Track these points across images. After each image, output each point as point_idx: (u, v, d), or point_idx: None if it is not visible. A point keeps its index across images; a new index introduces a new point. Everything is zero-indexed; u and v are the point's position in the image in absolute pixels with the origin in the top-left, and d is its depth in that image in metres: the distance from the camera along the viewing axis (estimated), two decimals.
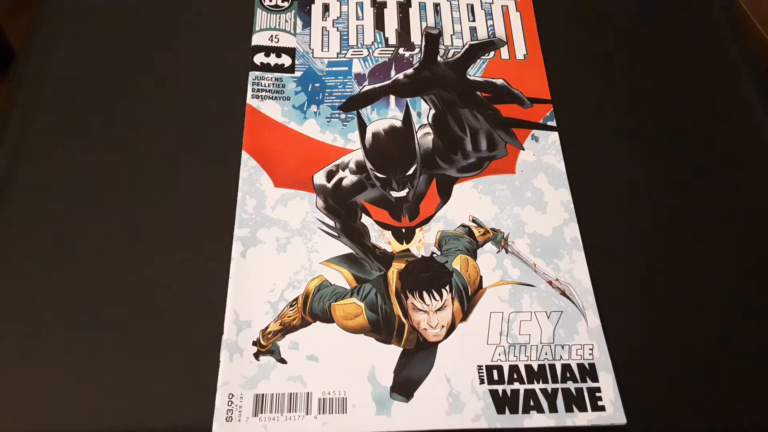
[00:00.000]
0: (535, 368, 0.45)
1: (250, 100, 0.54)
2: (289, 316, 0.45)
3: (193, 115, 0.54)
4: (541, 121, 0.55)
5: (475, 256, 0.49)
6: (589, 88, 0.58)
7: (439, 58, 0.58)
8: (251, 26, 0.59)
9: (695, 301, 0.48)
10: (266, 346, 0.44)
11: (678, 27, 0.62)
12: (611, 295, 0.48)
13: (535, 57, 0.58)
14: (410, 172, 0.52)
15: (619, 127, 0.56)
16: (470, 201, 0.51)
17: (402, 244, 0.49)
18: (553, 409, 0.43)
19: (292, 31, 0.59)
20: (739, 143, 0.56)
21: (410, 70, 0.57)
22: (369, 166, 0.52)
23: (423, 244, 0.49)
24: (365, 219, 0.50)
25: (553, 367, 0.45)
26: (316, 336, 0.45)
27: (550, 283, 0.48)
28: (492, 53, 0.58)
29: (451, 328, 0.46)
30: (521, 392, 0.44)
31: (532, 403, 0.43)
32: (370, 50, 0.58)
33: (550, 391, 0.44)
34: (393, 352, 0.44)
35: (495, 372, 0.44)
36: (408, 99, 0.55)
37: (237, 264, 0.47)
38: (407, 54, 0.58)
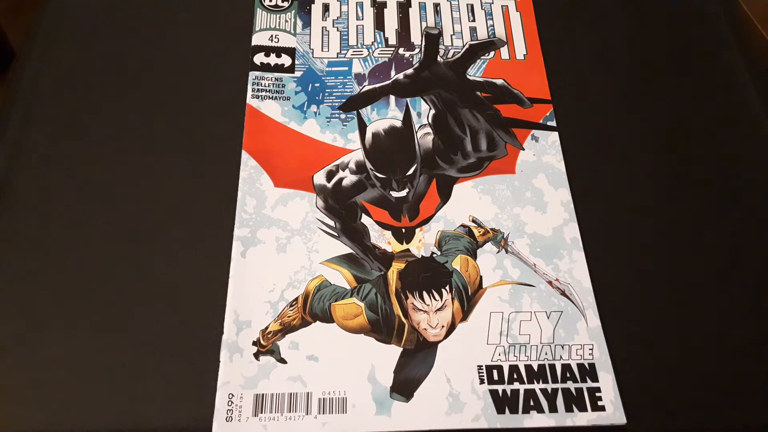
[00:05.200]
0: (535, 368, 0.45)
1: (250, 100, 0.54)
2: (289, 316, 0.45)
3: (193, 115, 0.54)
4: (540, 121, 0.55)
5: (475, 256, 0.49)
6: (588, 88, 0.58)
7: (439, 58, 0.58)
8: (251, 26, 0.59)
9: (695, 300, 0.48)
10: (266, 346, 0.44)
11: (678, 27, 0.62)
12: (611, 295, 0.48)
13: (535, 57, 0.58)
14: (410, 172, 0.52)
15: (618, 127, 0.56)
16: (470, 201, 0.51)
17: (402, 244, 0.49)
18: (553, 409, 0.43)
19: (292, 31, 0.59)
20: (739, 143, 0.56)
21: (410, 70, 0.57)
22: (369, 166, 0.52)
23: (423, 244, 0.49)
24: (365, 219, 0.50)
25: (553, 367, 0.45)
26: (316, 336, 0.45)
27: (550, 283, 0.48)
28: (492, 53, 0.58)
29: (451, 328, 0.46)
30: (521, 392, 0.44)
31: (532, 403, 0.43)
32: (370, 50, 0.58)
33: (550, 391, 0.44)
34: (393, 352, 0.44)
35: (495, 372, 0.44)
36: (408, 99, 0.55)
37: (237, 264, 0.47)
38: (407, 54, 0.58)
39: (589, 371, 0.45)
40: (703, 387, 0.45)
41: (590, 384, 0.44)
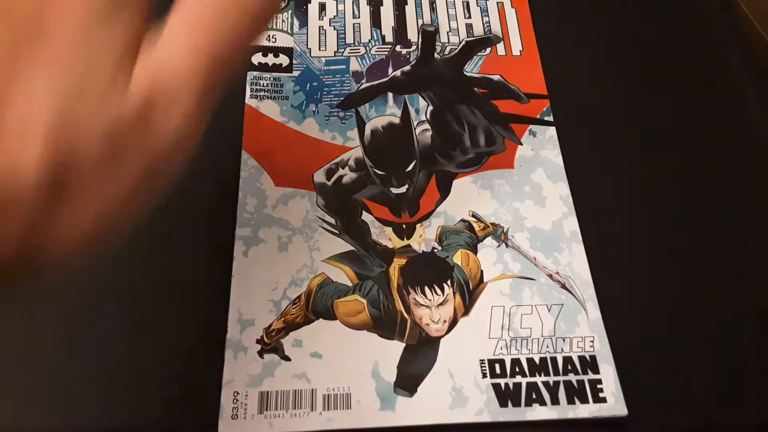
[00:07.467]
0: (537, 361, 0.45)
1: (248, 100, 0.54)
2: (292, 314, 0.46)
3: None
4: (538, 116, 0.55)
5: (475, 251, 0.49)
6: (585, 83, 0.58)
7: (436, 55, 0.58)
8: None
9: (695, 293, 0.49)
10: (270, 344, 0.45)
11: (676, 26, 0.62)
12: (611, 288, 0.48)
13: (531, 52, 0.59)
14: (409, 168, 0.52)
15: (616, 121, 0.56)
16: (470, 196, 0.51)
17: (403, 239, 0.49)
18: (555, 401, 0.44)
19: (289, 31, 0.59)
20: (739, 143, 0.56)
21: (407, 68, 0.57)
22: (368, 163, 0.52)
23: (423, 239, 0.49)
24: (366, 216, 0.50)
25: (554, 359, 0.45)
26: (319, 333, 0.45)
27: (550, 276, 0.48)
28: (488, 49, 0.59)
29: (453, 323, 0.46)
30: (523, 385, 0.44)
31: (534, 396, 0.44)
32: (367, 48, 0.58)
33: (551, 383, 0.44)
34: (396, 348, 0.45)
35: (497, 366, 0.45)
36: (406, 96, 0.56)
37: (239, 263, 0.47)
38: (404, 51, 0.58)
39: (590, 363, 0.45)
40: (703, 379, 0.46)
41: (591, 376, 0.45)
